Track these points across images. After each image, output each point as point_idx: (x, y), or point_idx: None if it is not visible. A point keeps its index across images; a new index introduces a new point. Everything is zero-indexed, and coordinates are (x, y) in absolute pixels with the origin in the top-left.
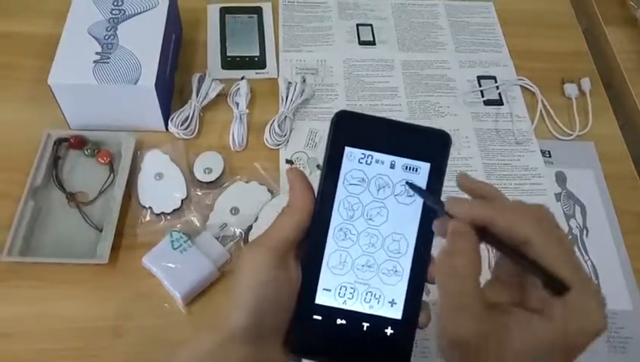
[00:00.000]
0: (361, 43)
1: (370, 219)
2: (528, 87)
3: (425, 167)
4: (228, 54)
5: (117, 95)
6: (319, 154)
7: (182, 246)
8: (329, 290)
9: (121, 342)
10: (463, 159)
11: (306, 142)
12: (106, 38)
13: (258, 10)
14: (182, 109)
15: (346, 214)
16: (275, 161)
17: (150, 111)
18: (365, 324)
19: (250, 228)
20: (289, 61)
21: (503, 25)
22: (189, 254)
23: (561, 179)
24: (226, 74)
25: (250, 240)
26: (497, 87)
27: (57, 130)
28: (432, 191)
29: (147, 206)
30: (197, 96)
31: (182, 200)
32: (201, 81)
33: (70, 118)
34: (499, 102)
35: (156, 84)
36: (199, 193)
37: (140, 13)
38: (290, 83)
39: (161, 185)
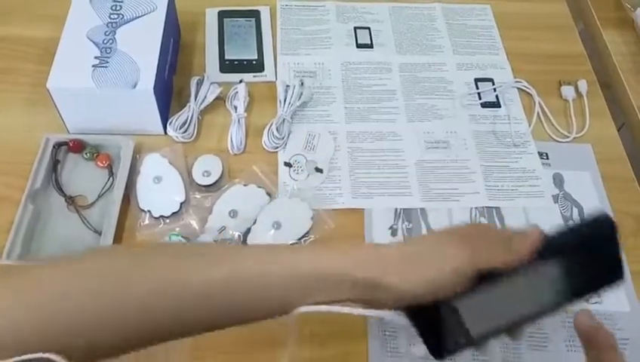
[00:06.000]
0: (359, 46)
1: None
2: (525, 89)
3: None
4: (226, 58)
5: (116, 99)
6: (317, 157)
7: None
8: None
9: None
10: (461, 161)
11: (304, 145)
12: (105, 42)
13: (256, 14)
14: (180, 113)
15: None
16: (274, 163)
17: (149, 115)
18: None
19: (248, 230)
20: (287, 64)
21: (500, 27)
22: None
23: (558, 180)
24: (224, 77)
25: (248, 242)
26: (495, 90)
27: (56, 134)
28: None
29: (146, 209)
30: (195, 99)
31: (181, 204)
32: (199, 84)
33: (69, 122)
34: (496, 105)
35: (155, 88)
36: (198, 196)
37: (139, 17)
38: (288, 86)
39: (159, 189)
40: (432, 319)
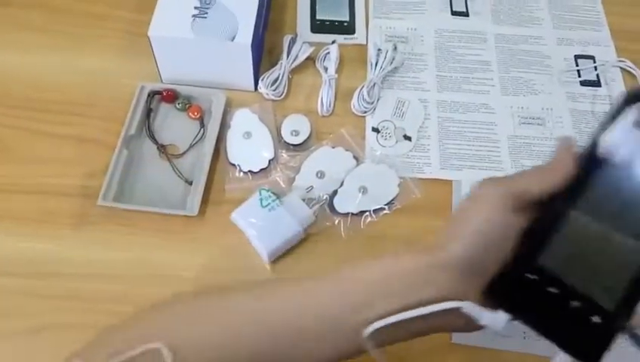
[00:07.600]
0: (454, 13)
1: None
2: (629, 69)
3: None
4: (317, 17)
5: (213, 50)
6: (406, 124)
7: (270, 205)
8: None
9: None
10: (557, 140)
11: (393, 111)
12: None
13: None
14: (272, 70)
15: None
16: (361, 128)
17: (243, 70)
18: (574, 303)
19: (335, 192)
20: (379, 28)
21: (604, 3)
22: (277, 213)
23: None
24: (314, 37)
25: (335, 205)
26: (596, 68)
27: (151, 83)
28: None
29: (235, 163)
30: (287, 57)
31: (269, 161)
32: (291, 43)
33: (164, 72)
34: (596, 84)
35: (252, 43)
36: (285, 155)
37: None
38: (380, 50)
39: (249, 144)
40: (529, 300)
